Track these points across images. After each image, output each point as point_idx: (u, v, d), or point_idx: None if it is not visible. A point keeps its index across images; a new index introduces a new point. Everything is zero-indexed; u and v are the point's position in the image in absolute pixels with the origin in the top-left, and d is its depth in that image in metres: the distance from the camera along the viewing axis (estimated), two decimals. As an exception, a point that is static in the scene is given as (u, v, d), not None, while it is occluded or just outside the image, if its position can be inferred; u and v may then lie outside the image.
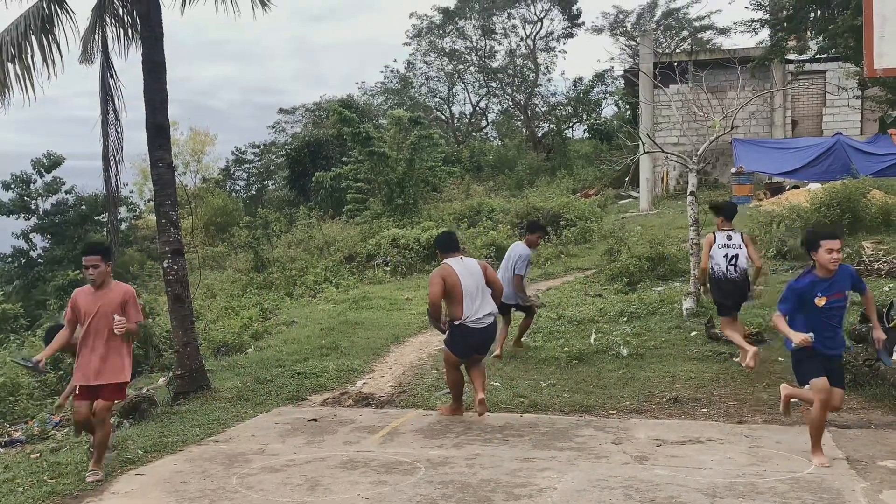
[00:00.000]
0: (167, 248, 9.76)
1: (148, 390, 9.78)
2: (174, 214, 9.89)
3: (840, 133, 25.98)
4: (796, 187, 23.31)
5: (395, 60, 76.45)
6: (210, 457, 7.03)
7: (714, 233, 9.31)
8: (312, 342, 12.10)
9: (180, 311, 9.78)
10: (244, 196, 48.48)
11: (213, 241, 33.21)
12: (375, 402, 8.92)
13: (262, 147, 51.05)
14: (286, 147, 44.46)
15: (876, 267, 13.66)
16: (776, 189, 24.13)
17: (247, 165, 51.70)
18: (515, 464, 6.45)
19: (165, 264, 9.83)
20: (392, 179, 27.51)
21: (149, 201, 39.24)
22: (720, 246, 9.17)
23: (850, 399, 8.15)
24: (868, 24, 6.92)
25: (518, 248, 10.43)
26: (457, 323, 7.75)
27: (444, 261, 7.95)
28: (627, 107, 37.94)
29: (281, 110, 52.32)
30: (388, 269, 19.65)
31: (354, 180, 29.88)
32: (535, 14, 45.90)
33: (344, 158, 31.74)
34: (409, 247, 19.90)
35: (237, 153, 51.31)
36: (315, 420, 8.17)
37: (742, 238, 9.24)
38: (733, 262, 9.12)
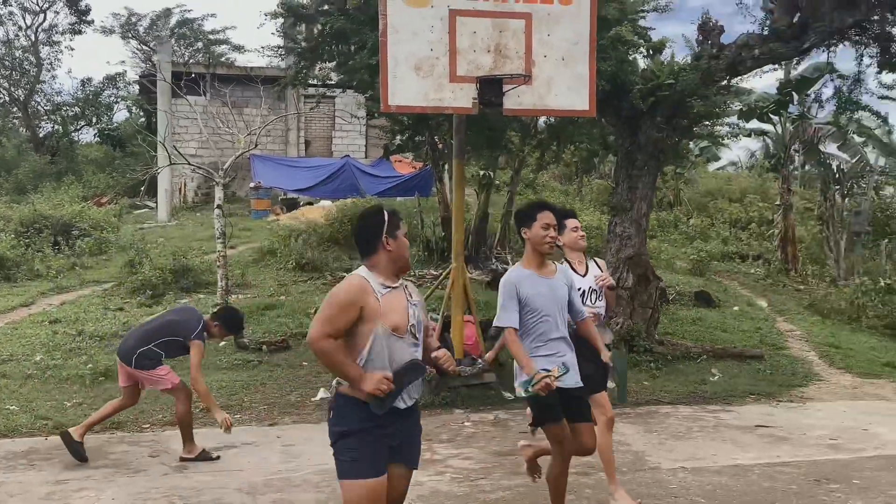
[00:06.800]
0: None
1: None
2: None
3: (348, 156, 28.59)
4: (310, 203, 25.08)
5: None
6: None
7: None
8: None
9: None
10: None
11: None
12: None
13: None
14: None
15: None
16: (291, 205, 25.68)
17: None
18: (47, 487, 6.03)
19: None
20: None
21: None
22: None
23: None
24: (384, 66, 7.92)
25: None
26: None
27: None
28: (142, 113, 36.80)
29: None
30: None
31: None
32: (37, 4, 42.04)
33: None
34: None
35: None
36: None
37: None
38: None
